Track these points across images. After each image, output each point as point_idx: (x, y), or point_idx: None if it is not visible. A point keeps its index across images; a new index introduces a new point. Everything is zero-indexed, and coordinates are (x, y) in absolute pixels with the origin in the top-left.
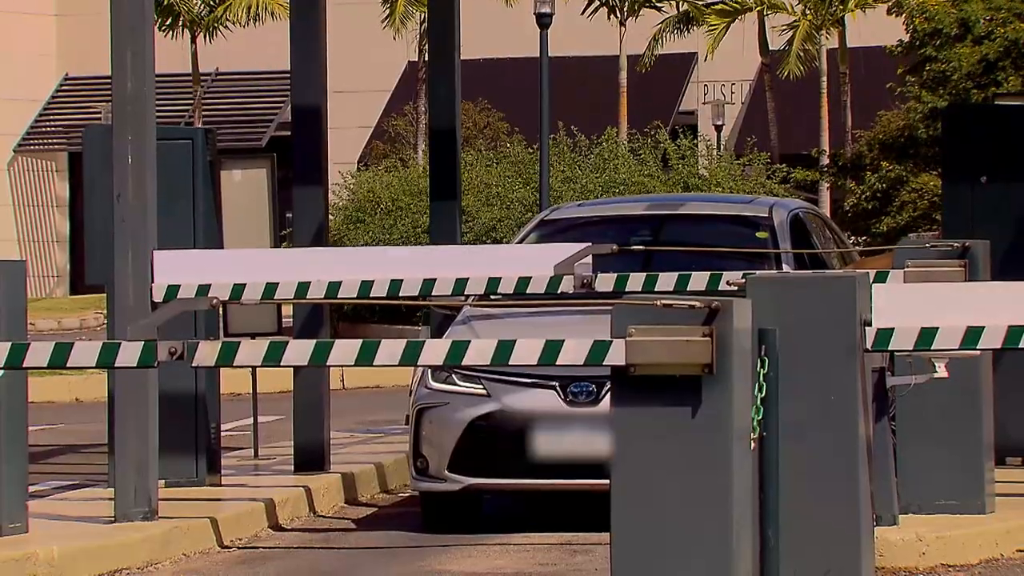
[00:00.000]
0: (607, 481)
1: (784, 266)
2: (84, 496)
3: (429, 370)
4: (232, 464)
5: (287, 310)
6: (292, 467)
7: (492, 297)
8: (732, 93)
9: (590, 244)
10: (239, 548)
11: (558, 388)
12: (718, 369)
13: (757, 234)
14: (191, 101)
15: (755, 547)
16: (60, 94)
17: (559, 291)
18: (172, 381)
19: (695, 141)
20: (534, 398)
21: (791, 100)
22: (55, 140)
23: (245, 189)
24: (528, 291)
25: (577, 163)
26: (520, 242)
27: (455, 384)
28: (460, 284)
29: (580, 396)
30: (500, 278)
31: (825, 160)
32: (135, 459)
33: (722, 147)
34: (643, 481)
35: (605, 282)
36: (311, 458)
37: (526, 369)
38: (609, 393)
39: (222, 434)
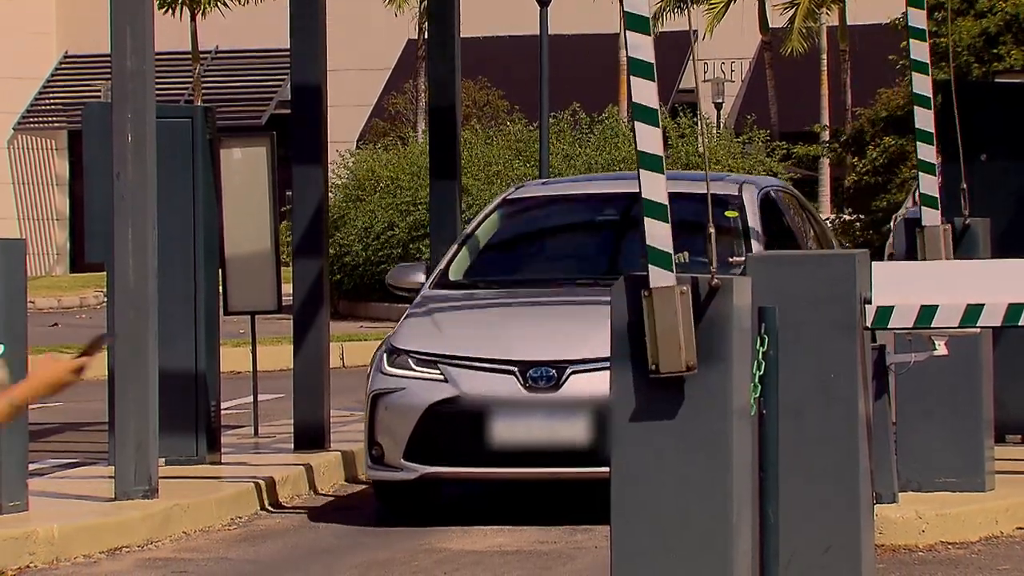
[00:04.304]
0: (569, 469)
1: (754, 245)
2: (84, 474)
3: (385, 355)
4: (232, 442)
5: (287, 288)
6: (292, 445)
7: (451, 282)
8: (732, 71)
9: None
10: (239, 526)
11: (517, 373)
12: (717, 348)
13: (726, 213)
14: (191, 79)
15: (754, 525)
16: (60, 72)
17: None
18: (172, 359)
19: (695, 119)
20: (492, 383)
21: (791, 78)
22: (55, 118)
23: (245, 167)
24: None
25: (578, 141)
26: (482, 222)
27: (411, 369)
28: None
29: (540, 381)
30: None
31: (826, 136)
32: (135, 437)
33: (722, 125)
34: (642, 458)
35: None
36: (311, 436)
37: (484, 354)
38: (570, 378)
39: (222, 412)
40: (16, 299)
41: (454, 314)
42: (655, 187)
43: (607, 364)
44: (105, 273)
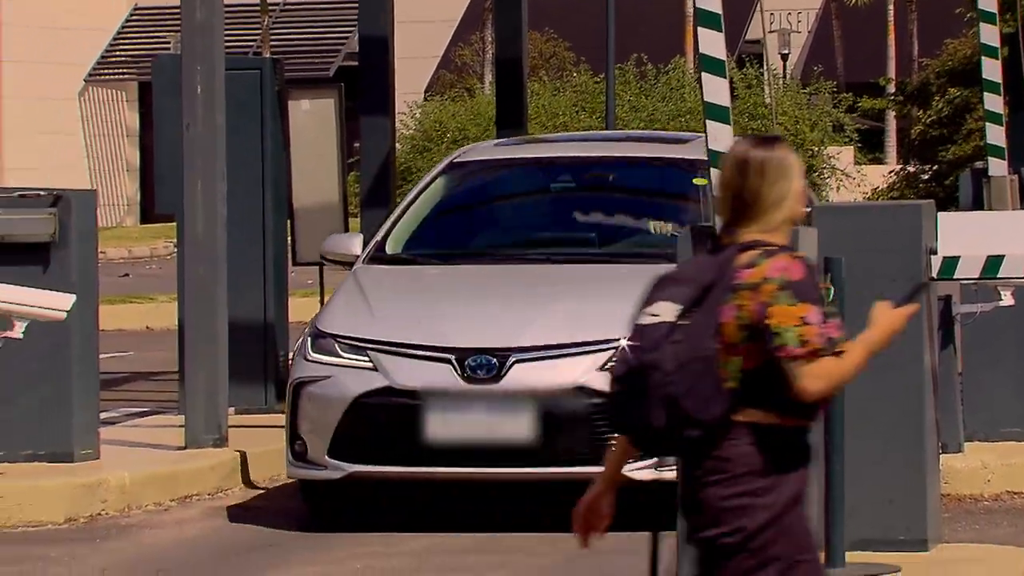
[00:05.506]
0: (511, 470)
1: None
2: (155, 423)
3: (309, 339)
4: None
5: None
6: None
7: (387, 256)
8: (798, 22)
9: None
10: None
11: (454, 362)
12: None
13: (695, 180)
14: (259, 31)
15: (821, 476)
16: (130, 24)
17: None
18: (241, 309)
19: (761, 70)
20: (426, 373)
21: (857, 29)
22: (125, 70)
23: (313, 119)
24: None
25: (644, 92)
26: (425, 188)
27: (338, 356)
28: None
29: (479, 371)
30: None
31: (891, 88)
32: (205, 387)
33: (788, 76)
34: None
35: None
36: None
37: (418, 340)
38: (512, 367)
39: (290, 362)
40: (87, 249)
41: (387, 294)
42: (722, 137)
43: (553, 352)
44: (175, 224)
